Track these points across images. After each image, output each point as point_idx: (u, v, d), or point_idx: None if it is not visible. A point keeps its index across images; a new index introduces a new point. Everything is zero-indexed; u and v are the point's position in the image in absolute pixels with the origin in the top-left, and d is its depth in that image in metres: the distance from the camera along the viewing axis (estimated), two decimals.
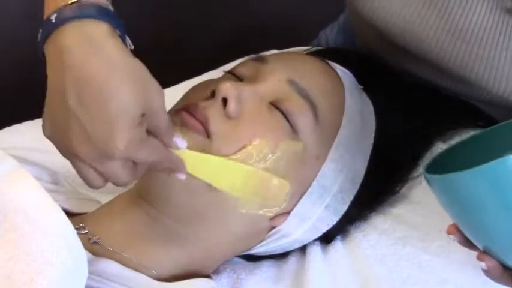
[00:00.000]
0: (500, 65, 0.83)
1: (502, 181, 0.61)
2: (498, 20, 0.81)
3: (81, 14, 0.65)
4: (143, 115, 0.66)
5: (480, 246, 0.67)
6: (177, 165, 0.72)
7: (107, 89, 0.63)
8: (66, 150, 0.67)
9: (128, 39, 0.70)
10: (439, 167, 0.69)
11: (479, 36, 0.83)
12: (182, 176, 0.73)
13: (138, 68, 0.66)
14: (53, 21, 0.65)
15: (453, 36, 0.85)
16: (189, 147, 0.75)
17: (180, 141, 0.73)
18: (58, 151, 0.68)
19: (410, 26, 0.86)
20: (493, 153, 0.63)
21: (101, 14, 0.66)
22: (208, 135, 0.76)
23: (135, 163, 0.69)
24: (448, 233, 0.69)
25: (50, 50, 0.66)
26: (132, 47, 0.70)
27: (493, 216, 0.63)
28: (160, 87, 0.67)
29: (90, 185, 0.68)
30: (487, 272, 0.68)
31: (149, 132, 0.68)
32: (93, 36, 0.64)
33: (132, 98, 0.64)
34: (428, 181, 0.67)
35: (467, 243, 0.68)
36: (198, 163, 0.75)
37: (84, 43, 0.64)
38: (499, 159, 0.60)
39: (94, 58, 0.64)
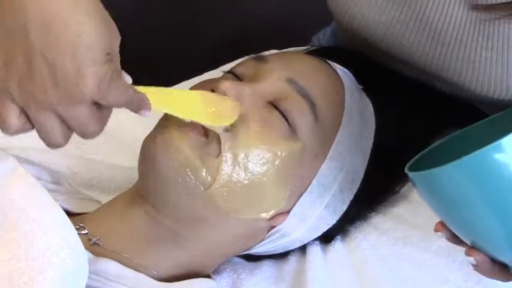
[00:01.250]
0: (482, 66, 0.83)
1: (482, 174, 0.62)
2: (475, 20, 0.81)
3: None
4: (109, 54, 0.62)
5: (468, 242, 0.68)
6: (142, 103, 0.67)
7: (74, 24, 0.60)
8: (26, 97, 0.61)
9: None
10: (422, 166, 0.69)
11: (458, 38, 0.83)
12: (147, 114, 0.67)
13: (101, 7, 0.63)
14: None
15: (433, 40, 0.85)
16: (189, 147, 0.75)
17: (127, 77, 0.67)
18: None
19: (390, 32, 0.87)
20: (473, 151, 0.63)
21: None
22: (206, 135, 0.76)
23: (99, 109, 0.64)
24: (436, 230, 0.70)
25: None
26: None
27: (477, 210, 0.64)
28: (117, 30, 0.64)
29: (51, 141, 0.63)
30: (476, 267, 0.68)
31: None
32: None
33: (99, 33, 0.61)
34: (411, 179, 0.68)
35: (455, 239, 0.69)
36: (160, 97, 0.72)
37: None
38: (477, 152, 0.61)
39: None
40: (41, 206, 0.67)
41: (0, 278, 0.63)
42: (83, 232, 0.80)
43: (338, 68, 0.87)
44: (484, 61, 0.82)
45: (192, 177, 0.76)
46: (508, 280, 0.70)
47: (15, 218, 0.66)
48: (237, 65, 0.86)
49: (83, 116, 0.62)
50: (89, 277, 0.70)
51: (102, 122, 0.65)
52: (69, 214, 0.83)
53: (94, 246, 0.79)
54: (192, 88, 0.84)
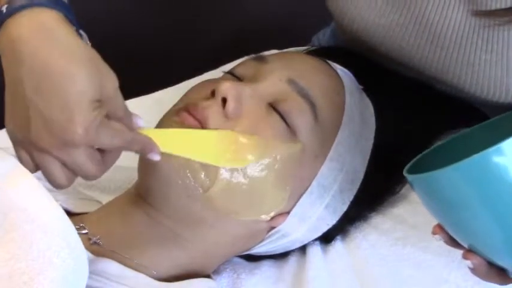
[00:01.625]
0: (481, 69, 0.83)
1: (481, 177, 0.61)
2: (475, 24, 0.81)
3: (32, 2, 0.65)
4: (99, 101, 0.65)
5: (465, 245, 0.67)
6: (147, 145, 0.71)
7: (63, 74, 0.63)
8: (29, 143, 0.66)
9: (82, 32, 0.70)
10: (421, 168, 0.69)
11: (457, 42, 0.83)
12: (156, 157, 0.71)
13: (92, 54, 0.66)
14: (4, 11, 0.65)
15: (432, 43, 0.85)
16: None
17: (139, 120, 0.71)
18: (15, 149, 0.68)
19: (389, 35, 0.87)
20: (473, 153, 0.63)
21: (52, 2, 0.66)
22: None
23: (102, 153, 0.68)
24: (433, 233, 0.70)
25: (3, 42, 0.65)
26: (88, 42, 0.70)
27: (475, 213, 0.63)
28: (113, 74, 0.67)
29: (54, 182, 0.67)
30: (473, 270, 0.68)
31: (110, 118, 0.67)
32: (45, 24, 0.64)
33: (88, 82, 0.64)
34: (410, 182, 0.68)
35: (453, 242, 0.69)
36: (168, 139, 0.74)
37: (37, 30, 0.64)
38: (477, 155, 0.60)
39: (48, 44, 0.63)
40: (41, 206, 0.67)
41: (0, 278, 0.63)
42: (83, 232, 0.80)
43: (338, 68, 0.87)
44: (484, 64, 0.82)
45: (192, 179, 0.76)
46: (506, 283, 0.70)
47: (15, 218, 0.66)
48: (237, 65, 0.86)
49: (81, 159, 0.66)
50: (89, 277, 0.70)
51: (105, 164, 0.69)
52: (69, 214, 0.83)
53: (94, 246, 0.79)
54: (192, 88, 0.84)
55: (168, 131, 0.76)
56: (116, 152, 0.70)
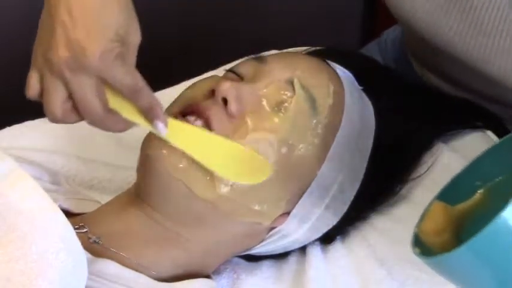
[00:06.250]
0: None
1: (490, 253, 0.59)
2: None
3: None
4: (119, 36, 0.67)
5: None
6: (155, 107, 0.71)
7: (99, 2, 0.67)
8: (45, 62, 0.68)
9: None
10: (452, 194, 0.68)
11: (499, 28, 0.82)
12: (162, 128, 0.71)
13: (131, 3, 0.69)
14: None
15: (475, 29, 0.84)
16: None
17: (163, 128, 0.72)
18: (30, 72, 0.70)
19: (434, 20, 0.86)
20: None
21: None
22: None
23: (110, 112, 0.69)
24: None
25: None
26: None
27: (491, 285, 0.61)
28: (140, 32, 0.70)
29: (51, 110, 0.69)
30: None
31: None
32: None
33: (119, 18, 0.67)
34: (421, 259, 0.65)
35: None
36: (179, 131, 0.74)
37: None
38: (481, 232, 0.57)
39: None
40: (39, 207, 0.67)
41: None
42: (83, 231, 0.79)
43: (338, 68, 0.87)
44: None
45: (191, 179, 0.76)
46: None
47: (13, 219, 0.66)
48: (237, 65, 0.85)
49: (89, 90, 0.67)
50: (88, 278, 0.70)
51: (107, 111, 0.69)
52: (69, 214, 0.83)
53: (94, 245, 0.79)
54: (193, 85, 0.84)
55: (182, 124, 0.75)
56: (118, 120, 0.70)
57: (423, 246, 0.66)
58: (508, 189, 0.66)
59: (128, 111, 0.70)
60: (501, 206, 0.57)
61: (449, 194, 0.70)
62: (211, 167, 0.75)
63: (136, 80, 0.69)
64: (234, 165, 0.76)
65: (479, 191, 0.70)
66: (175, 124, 0.74)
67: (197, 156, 0.75)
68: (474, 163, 0.71)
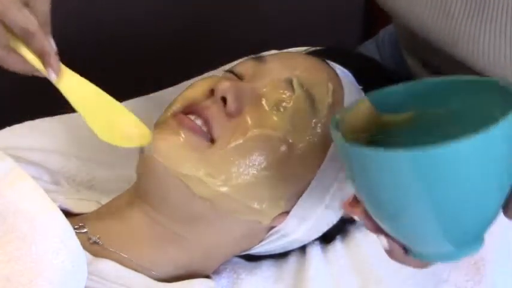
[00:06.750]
0: None
1: (433, 171, 0.56)
2: None
3: None
4: None
5: (384, 224, 0.64)
6: (47, 53, 0.71)
7: None
8: None
9: None
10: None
11: (465, 11, 0.81)
12: (52, 75, 0.72)
13: None
14: None
15: (444, 12, 0.82)
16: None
17: (52, 75, 0.72)
18: None
19: (413, 4, 0.85)
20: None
21: None
22: (211, 137, 0.77)
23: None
24: (347, 207, 0.68)
25: None
26: None
27: (412, 198, 0.58)
28: None
29: None
30: (389, 253, 0.67)
31: None
32: None
33: None
34: (343, 147, 0.61)
35: (368, 219, 0.66)
36: (72, 83, 0.74)
37: None
38: (433, 149, 0.55)
39: None
40: (39, 207, 0.68)
41: None
42: (83, 231, 0.80)
43: (338, 68, 0.87)
44: None
45: (191, 179, 0.76)
46: (423, 267, 0.69)
47: (13, 220, 0.66)
48: (237, 64, 0.86)
49: None
50: (88, 278, 0.70)
51: (8, 50, 0.71)
52: (69, 214, 0.83)
53: (94, 246, 0.79)
54: (192, 85, 0.84)
55: (78, 78, 0.75)
56: (18, 60, 0.72)
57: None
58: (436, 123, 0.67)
59: (26, 52, 0.72)
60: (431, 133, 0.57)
61: (379, 100, 0.70)
62: (91, 125, 0.75)
63: (28, 23, 0.69)
64: (116, 127, 0.76)
65: (410, 112, 0.70)
66: (70, 75, 0.75)
67: (82, 111, 0.74)
68: (417, 84, 0.71)
